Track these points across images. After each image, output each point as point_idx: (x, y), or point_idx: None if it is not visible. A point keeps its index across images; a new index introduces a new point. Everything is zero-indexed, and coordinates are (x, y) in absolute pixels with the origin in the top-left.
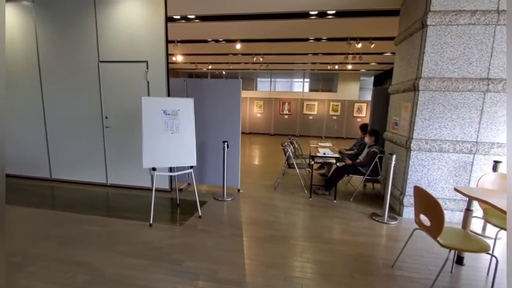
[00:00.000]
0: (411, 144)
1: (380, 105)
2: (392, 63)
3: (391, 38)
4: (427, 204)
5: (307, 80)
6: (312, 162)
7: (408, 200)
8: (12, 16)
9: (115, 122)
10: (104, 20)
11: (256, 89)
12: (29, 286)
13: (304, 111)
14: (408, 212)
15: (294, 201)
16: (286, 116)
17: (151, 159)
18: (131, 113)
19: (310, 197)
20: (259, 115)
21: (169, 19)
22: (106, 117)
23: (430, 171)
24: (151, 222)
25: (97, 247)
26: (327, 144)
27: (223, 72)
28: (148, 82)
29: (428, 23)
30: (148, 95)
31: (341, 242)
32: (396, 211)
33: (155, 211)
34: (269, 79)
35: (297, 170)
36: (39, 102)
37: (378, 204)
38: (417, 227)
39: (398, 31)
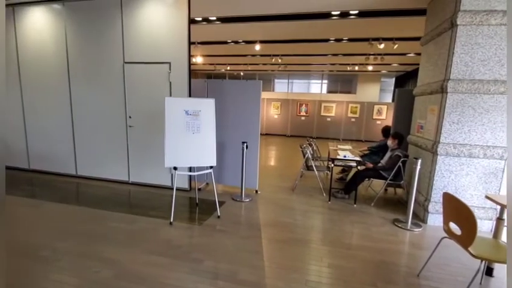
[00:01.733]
0: (438, 149)
1: (404, 107)
2: (416, 64)
3: (416, 38)
4: (458, 212)
5: (326, 81)
6: (332, 165)
7: (434, 206)
8: (43, 18)
9: (138, 121)
10: (130, 22)
11: (273, 90)
12: (58, 280)
13: (322, 113)
14: (434, 219)
15: (312, 204)
16: (303, 118)
17: (172, 159)
18: (153, 113)
19: (329, 201)
20: (276, 116)
21: (191, 21)
22: (130, 117)
23: (458, 177)
24: (172, 220)
25: (121, 244)
26: (347, 146)
27: (241, 73)
28: (170, 83)
29: (458, 22)
30: (170, 95)
31: (362, 247)
32: (420, 218)
33: (175, 210)
34: (286, 80)
35: (316, 172)
36: (68, 101)
37: (401, 210)
38: (445, 235)
39: (425, 31)
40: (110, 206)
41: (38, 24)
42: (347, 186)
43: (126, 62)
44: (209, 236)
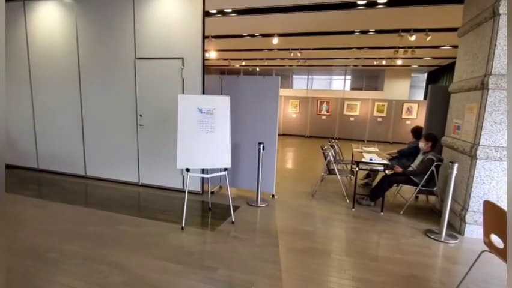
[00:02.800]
0: (478, 152)
1: (438, 105)
2: (450, 58)
3: (452, 29)
4: (501, 223)
5: (349, 77)
6: (357, 169)
7: (472, 216)
8: (54, 13)
9: (149, 120)
10: (142, 16)
11: (291, 87)
12: (65, 284)
13: (345, 112)
14: (472, 231)
15: (334, 211)
16: (324, 117)
17: (185, 160)
18: (165, 112)
19: (353, 207)
20: (294, 115)
21: (205, 14)
22: (140, 115)
23: (500, 184)
24: (183, 225)
25: (131, 248)
26: (373, 149)
27: (257, 69)
28: (183, 79)
29: (501, 11)
30: (183, 92)
31: (391, 260)
32: (456, 229)
33: (187, 214)
34: (306, 76)
35: (338, 176)
36: (78, 98)
37: (434, 220)
38: (485, 248)
39: (462, 21)
40: (119, 208)
41: (49, 19)
42: (373, 192)
43: (138, 58)
44: (223, 243)
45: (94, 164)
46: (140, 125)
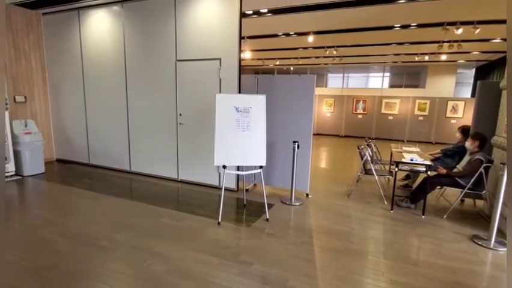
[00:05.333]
0: None
1: (488, 103)
2: (502, 52)
3: (503, 21)
4: None
5: (388, 74)
6: (396, 169)
7: None
8: (104, 19)
9: (188, 119)
10: (183, 20)
11: (326, 86)
12: (115, 270)
13: (383, 111)
14: None
15: (371, 212)
16: (360, 116)
17: (222, 157)
18: (203, 111)
19: (392, 209)
20: (328, 114)
21: (242, 15)
22: (180, 114)
23: None
24: (220, 220)
25: (171, 240)
26: (414, 149)
27: (291, 68)
28: (220, 79)
29: None
30: (220, 92)
31: (432, 265)
32: (506, 235)
33: (223, 210)
34: (341, 74)
35: (376, 177)
36: (124, 98)
37: (482, 225)
38: None
39: None
40: (160, 202)
41: (99, 25)
42: (413, 194)
43: (178, 60)
44: (258, 239)
45: (137, 160)
46: (180, 124)
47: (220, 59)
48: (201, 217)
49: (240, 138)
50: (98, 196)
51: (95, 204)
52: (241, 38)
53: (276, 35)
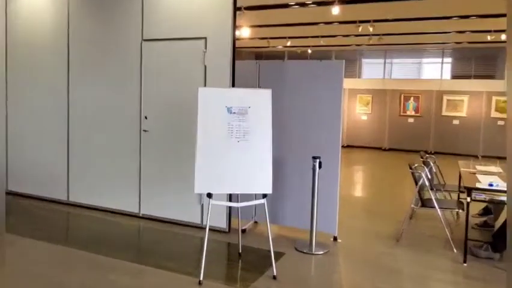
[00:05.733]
0: None
1: None
2: None
3: None
4: None
5: (449, 60)
6: (468, 200)
7: None
8: None
9: (156, 124)
10: None
11: (359, 77)
12: None
13: (444, 112)
14: None
15: (433, 265)
16: (411, 120)
17: (206, 181)
18: (179, 112)
19: (465, 262)
20: (364, 117)
21: None
22: (146, 118)
23: None
24: (201, 278)
25: None
26: (493, 168)
27: (309, 51)
28: (205, 67)
29: None
30: (205, 85)
31: None
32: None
33: (206, 261)
34: (382, 60)
35: (438, 210)
36: (64, 96)
37: None
38: None
39: None
40: (110, 250)
41: None
42: (496, 237)
43: (145, 40)
44: None
45: (79, 186)
46: (145, 131)
47: (205, 38)
48: (172, 273)
49: (233, 153)
50: (15, 240)
51: (9, 252)
52: (236, 8)
53: (286, 5)
